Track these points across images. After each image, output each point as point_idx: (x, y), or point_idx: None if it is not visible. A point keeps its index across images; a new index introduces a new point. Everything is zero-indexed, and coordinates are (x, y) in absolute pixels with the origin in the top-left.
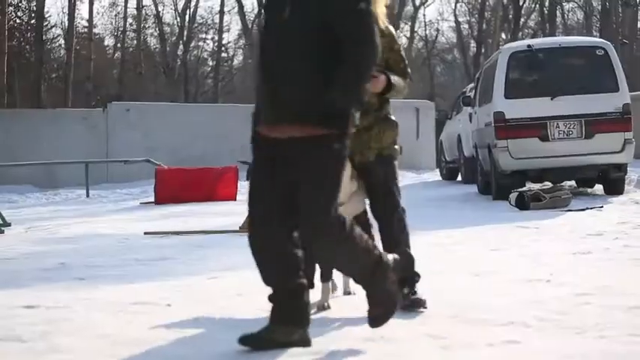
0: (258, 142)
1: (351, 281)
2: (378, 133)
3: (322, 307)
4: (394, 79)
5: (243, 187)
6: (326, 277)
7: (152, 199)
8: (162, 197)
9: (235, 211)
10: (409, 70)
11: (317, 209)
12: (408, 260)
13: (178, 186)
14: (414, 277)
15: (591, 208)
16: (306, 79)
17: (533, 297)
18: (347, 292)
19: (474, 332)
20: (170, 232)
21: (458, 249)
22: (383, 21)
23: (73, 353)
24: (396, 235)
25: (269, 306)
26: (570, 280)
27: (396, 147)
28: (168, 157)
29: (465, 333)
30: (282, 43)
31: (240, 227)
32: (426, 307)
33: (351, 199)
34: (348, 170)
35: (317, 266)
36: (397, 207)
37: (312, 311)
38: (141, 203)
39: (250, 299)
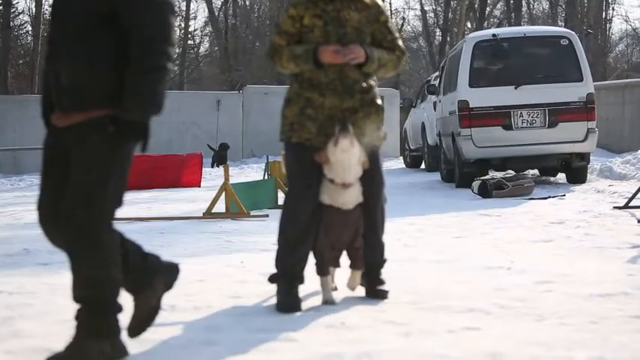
0: (48, 132)
1: (336, 276)
2: (362, 117)
3: (327, 302)
4: (372, 50)
5: (208, 173)
6: (324, 271)
7: None
8: (127, 183)
9: (199, 198)
10: (400, 42)
11: (76, 200)
12: (382, 249)
13: (143, 172)
14: (381, 265)
15: (554, 197)
16: (82, 62)
17: (494, 284)
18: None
19: (434, 319)
20: (134, 218)
21: (420, 236)
22: None
23: (34, 338)
24: (377, 223)
25: (231, 291)
26: (531, 268)
27: (380, 133)
28: None
29: (426, 320)
30: (63, 23)
31: (203, 213)
32: (386, 298)
33: (357, 183)
34: (358, 153)
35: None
36: (381, 193)
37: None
38: None
39: (212, 284)
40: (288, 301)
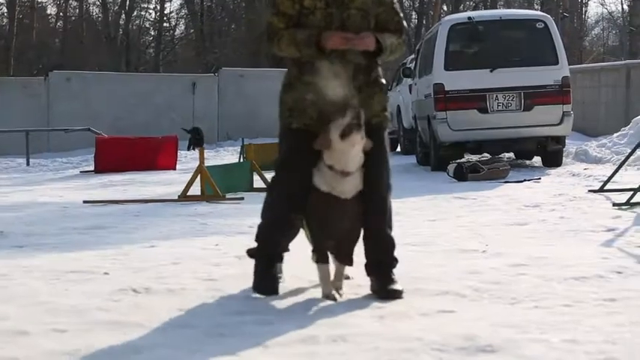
0: None
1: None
2: (366, 98)
3: (327, 297)
4: (385, 39)
5: (183, 156)
6: (323, 258)
7: (92, 167)
8: (103, 166)
9: (175, 180)
10: (405, 24)
11: None
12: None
13: (118, 155)
14: (392, 263)
15: (529, 180)
16: None
17: (469, 267)
18: (346, 277)
19: (409, 302)
20: (109, 200)
21: (395, 219)
22: None
23: (9, 320)
24: (383, 216)
25: (206, 274)
26: (506, 251)
27: (387, 114)
28: (109, 126)
29: (400, 303)
30: None
31: (178, 196)
32: (401, 297)
33: (357, 171)
34: (361, 139)
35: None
36: (387, 185)
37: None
38: (81, 172)
39: (186, 267)
40: (264, 283)
